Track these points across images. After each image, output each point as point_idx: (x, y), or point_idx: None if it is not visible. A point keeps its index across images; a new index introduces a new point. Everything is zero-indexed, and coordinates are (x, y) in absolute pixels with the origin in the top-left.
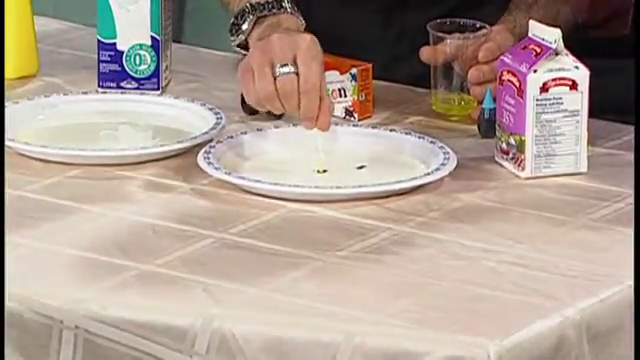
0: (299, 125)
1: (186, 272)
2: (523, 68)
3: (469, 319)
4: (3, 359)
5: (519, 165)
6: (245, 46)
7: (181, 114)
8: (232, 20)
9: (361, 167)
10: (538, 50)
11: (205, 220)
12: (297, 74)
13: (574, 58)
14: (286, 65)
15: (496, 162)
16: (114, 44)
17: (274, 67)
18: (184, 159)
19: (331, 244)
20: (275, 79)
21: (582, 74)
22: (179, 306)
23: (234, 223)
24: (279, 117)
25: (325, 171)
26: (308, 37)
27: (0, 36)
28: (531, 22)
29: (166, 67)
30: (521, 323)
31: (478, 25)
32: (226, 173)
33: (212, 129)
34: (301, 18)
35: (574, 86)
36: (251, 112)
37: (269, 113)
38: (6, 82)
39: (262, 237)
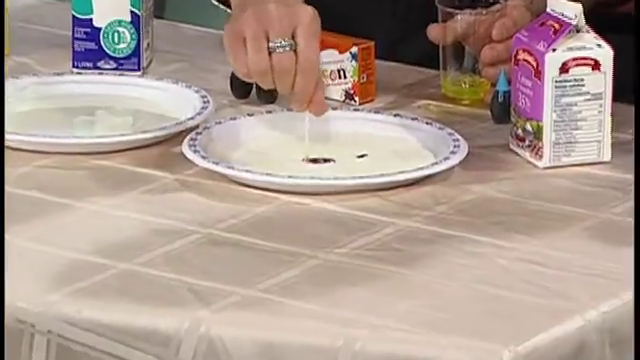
0: (296, 110)
1: (169, 271)
2: (541, 47)
3: (480, 322)
4: (3, 359)
5: (536, 153)
6: (225, 1)
7: (164, 97)
8: None
9: (362, 156)
10: (557, 27)
11: (190, 214)
12: (295, 50)
13: (597, 35)
14: (284, 39)
15: (511, 150)
16: (90, 20)
17: (270, 40)
18: (167, 147)
19: (329, 240)
20: (270, 54)
21: (605, 53)
22: (162, 308)
23: (222, 217)
24: (272, 101)
25: (316, 160)
26: (310, 10)
27: (0, 37)
28: None
29: (147, 45)
30: (538, 327)
31: None
32: (214, 162)
33: (198, 114)
34: None
35: (597, 66)
36: (242, 95)
37: (262, 94)
38: None
39: (253, 233)
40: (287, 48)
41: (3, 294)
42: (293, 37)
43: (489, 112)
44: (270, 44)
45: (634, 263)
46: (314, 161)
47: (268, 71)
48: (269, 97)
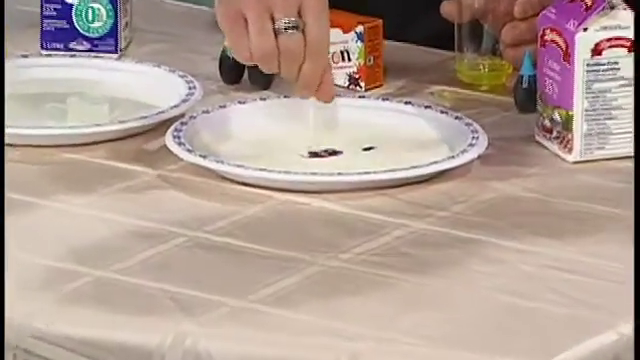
0: (292, 97)
1: (151, 279)
2: (570, 26)
3: (502, 336)
4: (2, 357)
5: (565, 146)
6: None
7: (144, 83)
8: None
9: (369, 148)
10: (589, 3)
11: (174, 215)
12: (302, 31)
13: (633, 13)
14: (291, 19)
15: (537, 143)
16: None
17: (275, 20)
18: (148, 139)
19: (331, 245)
20: (277, 36)
21: None
22: (142, 321)
23: (210, 218)
24: (267, 86)
25: (316, 153)
26: None
27: (0, 39)
28: None
29: (126, 24)
30: (566, 342)
31: None
32: (201, 156)
33: (183, 101)
34: None
35: (633, 48)
36: (232, 80)
37: (256, 79)
38: None
39: (245, 236)
40: (295, 29)
41: (3, 298)
42: (299, 15)
43: (512, 99)
44: (276, 24)
45: (634, 263)
46: (314, 155)
47: (275, 55)
48: (263, 82)
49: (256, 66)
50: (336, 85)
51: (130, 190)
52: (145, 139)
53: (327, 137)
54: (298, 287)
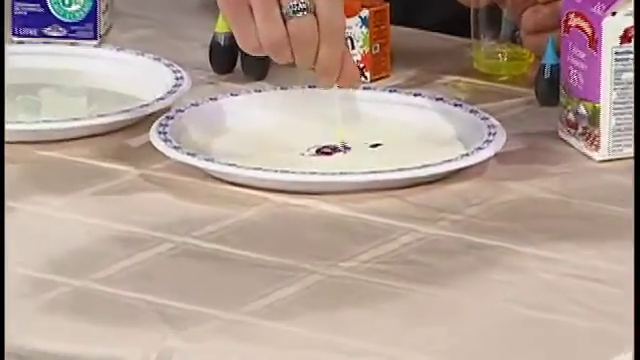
0: (292, 88)
1: (134, 289)
2: (597, 9)
3: (519, 352)
4: (3, 358)
5: (592, 143)
6: None
7: (126, 72)
8: None
9: (375, 145)
10: None
11: (159, 219)
12: (313, 13)
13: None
14: (299, 1)
15: (560, 139)
16: None
17: (282, 4)
18: (131, 135)
19: (333, 251)
20: (286, 21)
21: None
22: (124, 335)
23: (199, 223)
24: (263, 76)
25: (318, 150)
26: None
27: (0, 41)
28: None
29: (106, 7)
30: (591, 359)
31: None
32: (189, 154)
33: (170, 93)
34: None
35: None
36: (224, 69)
37: (251, 68)
38: None
39: (238, 242)
40: (305, 11)
41: (3, 298)
42: None
43: (533, 91)
44: (284, 9)
45: (634, 264)
46: (316, 151)
47: (285, 42)
48: (258, 71)
49: (251, 55)
50: None
51: (111, 191)
52: (127, 135)
53: (329, 133)
54: (296, 298)
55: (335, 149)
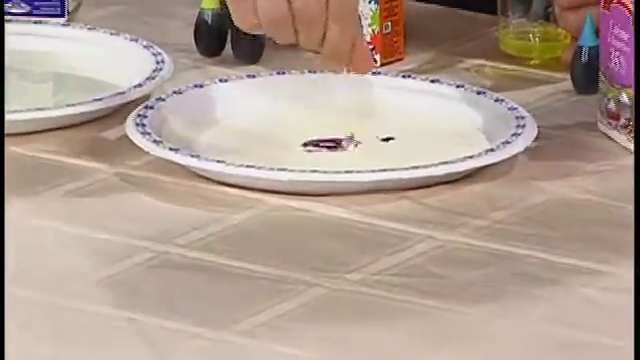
0: (290, 73)
1: (109, 305)
2: None
3: None
4: (3, 358)
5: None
6: None
7: (99, 55)
8: None
9: (387, 139)
10: None
11: (138, 224)
12: None
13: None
14: None
15: (599, 132)
16: None
17: None
18: (104, 127)
19: (337, 262)
20: None
21: None
22: (100, 357)
23: (184, 229)
24: (255, 59)
25: (318, 144)
26: None
27: (0, 41)
28: None
29: None
30: None
31: None
32: (172, 149)
33: (149, 79)
34: None
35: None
36: (212, 51)
37: (242, 50)
38: None
39: (228, 251)
40: None
41: (3, 295)
42: None
43: (568, 77)
44: None
45: (634, 263)
46: (315, 146)
47: (288, 19)
48: (251, 54)
49: (244, 34)
50: None
51: (81, 193)
52: (100, 128)
53: (334, 125)
54: (294, 315)
55: (340, 143)
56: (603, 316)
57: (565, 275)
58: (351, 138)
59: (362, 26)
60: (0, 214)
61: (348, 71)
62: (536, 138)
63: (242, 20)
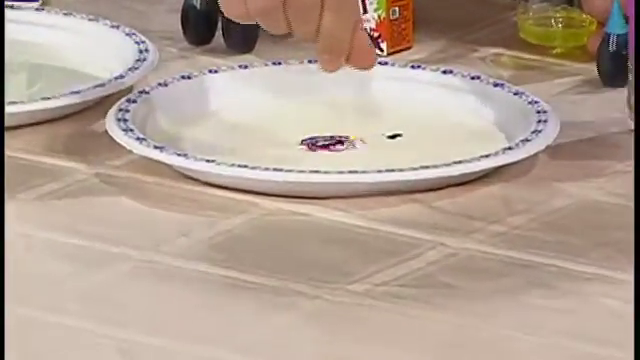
0: (287, 64)
1: (88, 319)
2: None
3: None
4: (3, 358)
5: None
6: None
7: (76, 44)
8: None
9: (394, 136)
10: None
11: (119, 229)
12: None
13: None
14: None
15: (628, 128)
16: None
17: None
18: (83, 124)
19: (339, 271)
20: None
21: None
22: None
23: (170, 234)
24: (249, 48)
25: (317, 142)
26: None
27: (0, 40)
28: None
29: None
30: None
31: None
32: (156, 147)
33: (131, 70)
34: None
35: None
36: (200, 39)
37: (234, 38)
38: None
39: (218, 259)
40: None
41: (3, 295)
42: None
43: (594, 67)
44: None
45: (634, 265)
46: (314, 144)
47: (279, 6)
48: (244, 43)
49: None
50: None
51: (57, 195)
52: (78, 123)
53: (336, 121)
54: (292, 330)
55: (342, 141)
56: (628, 329)
57: (588, 285)
58: (354, 138)
59: (366, 12)
60: (0, 215)
61: (350, 65)
62: (558, 135)
63: (229, 8)
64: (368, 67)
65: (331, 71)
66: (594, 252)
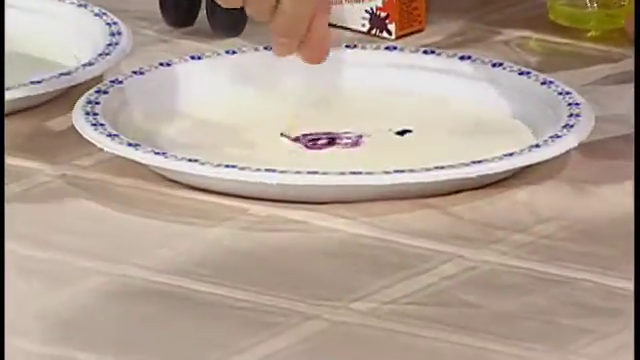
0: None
1: (52, 343)
2: None
3: None
4: (3, 358)
5: None
6: None
7: (39, 26)
8: None
9: (403, 132)
10: None
11: (89, 240)
12: None
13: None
14: None
15: None
16: None
17: None
18: (47, 117)
19: (341, 288)
20: None
21: None
22: None
23: (146, 246)
24: (236, 32)
25: (316, 140)
26: None
27: (0, 40)
28: None
29: None
30: None
31: None
32: (130, 145)
33: (102, 56)
34: None
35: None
36: (181, 21)
37: (218, 20)
38: None
39: (203, 273)
40: None
41: (3, 296)
42: None
43: (632, 53)
44: None
45: (634, 265)
46: (314, 142)
47: None
48: (230, 25)
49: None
50: (349, 30)
51: (18, 199)
52: (41, 117)
53: (336, 115)
54: (289, 354)
55: (344, 138)
56: None
57: (625, 302)
58: (358, 134)
59: (340, 1)
60: (0, 216)
61: (301, 57)
62: (593, 131)
63: None
64: (317, 61)
65: (282, 56)
66: (632, 265)
